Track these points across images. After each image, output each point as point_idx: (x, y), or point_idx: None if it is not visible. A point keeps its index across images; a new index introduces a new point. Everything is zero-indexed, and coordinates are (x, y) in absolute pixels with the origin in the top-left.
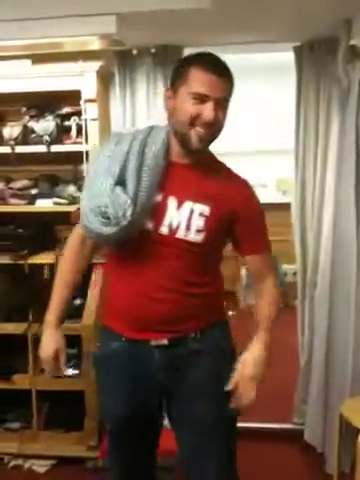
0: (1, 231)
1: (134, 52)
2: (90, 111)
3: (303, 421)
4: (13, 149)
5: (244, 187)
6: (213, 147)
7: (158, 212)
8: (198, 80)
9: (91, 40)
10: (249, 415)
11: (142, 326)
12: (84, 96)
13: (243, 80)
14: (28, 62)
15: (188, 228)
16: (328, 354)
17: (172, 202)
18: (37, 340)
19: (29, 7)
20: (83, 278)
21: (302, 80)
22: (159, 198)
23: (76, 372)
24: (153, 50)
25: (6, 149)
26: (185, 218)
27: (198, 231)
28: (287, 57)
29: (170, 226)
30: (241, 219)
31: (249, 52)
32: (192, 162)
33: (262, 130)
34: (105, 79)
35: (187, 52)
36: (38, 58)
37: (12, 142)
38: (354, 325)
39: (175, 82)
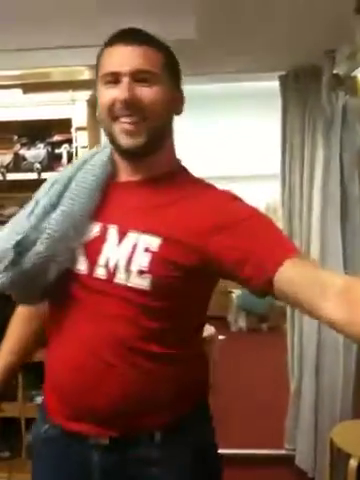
0: None
1: None
2: (81, 139)
3: (294, 446)
4: (4, 176)
5: (218, 198)
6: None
7: (93, 248)
8: (106, 59)
9: (81, 70)
10: (240, 441)
11: (77, 412)
12: (75, 124)
13: (230, 107)
14: (19, 91)
15: (128, 269)
16: (318, 378)
17: (112, 234)
18: (27, 367)
19: (20, 37)
20: None
21: (287, 107)
22: (95, 229)
23: None
24: None
25: None
26: (125, 255)
27: (141, 273)
28: (273, 85)
29: (107, 266)
30: (225, 244)
31: (235, 81)
32: (142, 177)
33: (250, 154)
34: (95, 107)
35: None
36: (29, 87)
37: (3, 169)
38: (343, 348)
39: (95, 80)
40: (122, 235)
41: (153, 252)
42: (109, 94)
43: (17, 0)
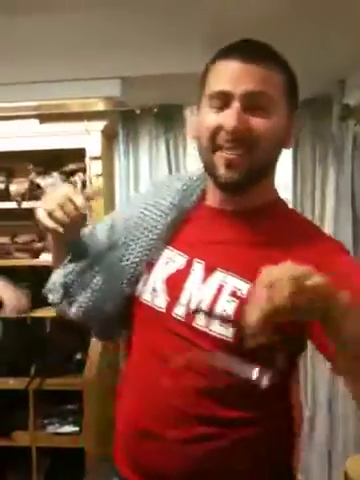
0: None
1: (137, 112)
2: (95, 168)
3: (308, 478)
4: (20, 204)
5: (327, 248)
6: None
7: (174, 282)
8: (216, 75)
9: (96, 101)
10: None
11: (143, 471)
12: (89, 154)
13: None
14: (36, 122)
15: (210, 313)
16: (331, 408)
17: (197, 269)
18: (38, 395)
19: (37, 70)
20: (84, 331)
21: (299, 137)
22: (179, 261)
23: (76, 429)
24: (155, 110)
25: (13, 205)
26: (209, 296)
27: (224, 320)
28: None
29: (188, 306)
30: None
31: None
32: (236, 208)
33: None
34: (109, 137)
35: (188, 110)
36: (45, 118)
37: (19, 198)
38: None
39: (199, 94)
40: (208, 272)
41: (241, 298)
42: (215, 119)
43: (34, 34)
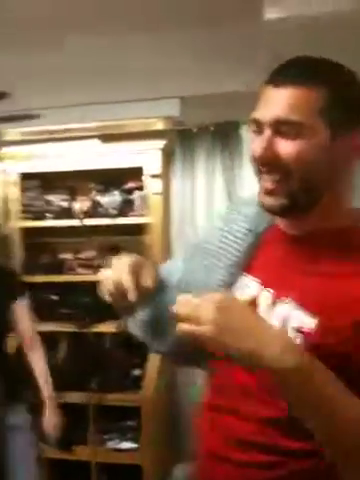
0: (68, 300)
1: (194, 130)
2: (153, 186)
3: None
4: (82, 222)
5: None
6: None
7: None
8: (258, 101)
9: (155, 121)
10: None
11: None
12: (148, 172)
13: None
14: (98, 142)
15: None
16: None
17: (266, 298)
18: (99, 410)
19: (99, 92)
20: (144, 346)
21: None
22: (253, 288)
23: (135, 445)
24: (212, 128)
25: (76, 222)
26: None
27: None
28: None
29: None
30: None
31: None
32: (298, 232)
33: None
34: (167, 155)
35: (245, 128)
36: (107, 138)
37: (81, 215)
38: None
39: None
40: (274, 302)
41: (306, 334)
42: (252, 145)
43: (96, 57)
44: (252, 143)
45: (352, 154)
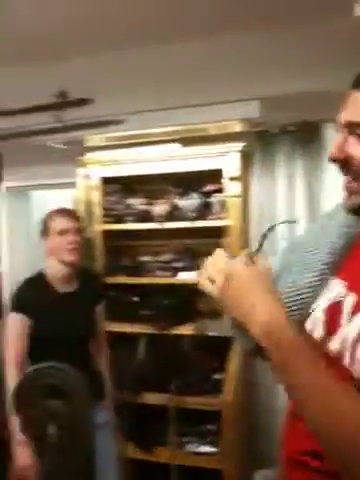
0: (148, 302)
1: (274, 131)
2: (232, 188)
3: None
4: (161, 225)
5: None
6: None
7: (333, 315)
8: None
9: (234, 123)
10: None
11: None
12: (226, 174)
13: None
14: (178, 145)
15: (353, 354)
16: None
17: (349, 303)
18: (179, 413)
19: (179, 96)
20: (223, 350)
21: None
22: (340, 292)
23: (214, 450)
24: (292, 128)
25: (155, 225)
26: (353, 334)
27: None
28: None
29: (343, 343)
30: None
31: None
32: None
33: None
34: (247, 157)
35: (327, 128)
36: (186, 141)
37: (161, 219)
38: None
39: None
40: (357, 308)
41: None
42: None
43: (176, 62)
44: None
45: None
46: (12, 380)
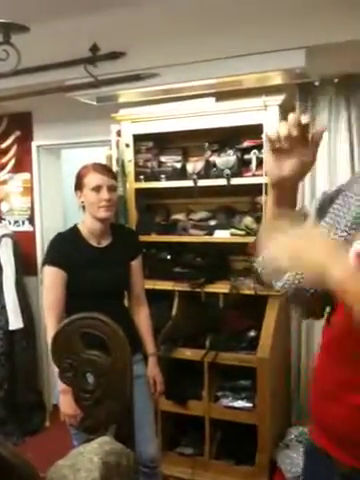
0: (181, 260)
1: (316, 83)
2: None
3: None
4: (196, 183)
5: None
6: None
7: None
8: None
9: (273, 75)
10: None
11: (323, 427)
12: (266, 130)
13: None
14: (212, 100)
15: None
16: None
17: None
18: (212, 368)
19: (214, 46)
20: (258, 309)
21: None
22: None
23: (249, 405)
24: (336, 80)
25: (189, 183)
26: None
27: None
28: None
29: None
30: None
31: None
32: None
33: None
34: (287, 112)
35: None
36: (222, 95)
37: (195, 176)
38: None
39: None
40: None
41: None
42: None
43: (209, 9)
44: None
45: None
46: (51, 329)
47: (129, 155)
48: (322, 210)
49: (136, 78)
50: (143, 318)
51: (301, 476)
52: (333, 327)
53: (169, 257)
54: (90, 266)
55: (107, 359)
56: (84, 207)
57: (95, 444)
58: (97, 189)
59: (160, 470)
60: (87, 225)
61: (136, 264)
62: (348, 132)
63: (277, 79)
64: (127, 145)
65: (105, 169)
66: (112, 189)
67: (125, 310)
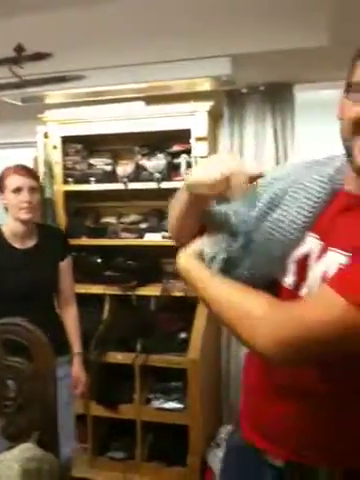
0: (112, 263)
1: (243, 90)
2: (200, 149)
3: None
4: (126, 186)
5: None
6: None
7: (301, 263)
8: None
9: (202, 81)
10: None
11: (257, 423)
12: (194, 135)
13: None
14: (142, 104)
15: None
16: None
17: (316, 248)
18: (144, 371)
19: (144, 52)
20: (188, 311)
21: None
22: (308, 243)
23: (180, 406)
24: (262, 88)
25: (120, 186)
26: (318, 276)
27: None
28: None
29: (310, 288)
30: None
31: None
32: None
33: None
34: (214, 117)
35: (297, 89)
36: (151, 99)
37: (125, 179)
38: None
39: (347, 75)
40: (322, 252)
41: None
42: (357, 110)
43: (141, 15)
44: (353, 108)
45: None
46: None
47: (57, 157)
48: None
49: (62, 79)
50: (71, 319)
51: (222, 473)
52: None
53: (100, 261)
54: (13, 268)
55: (29, 366)
56: (7, 209)
57: (16, 451)
58: (17, 191)
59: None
60: (10, 227)
61: (64, 265)
62: (274, 140)
63: (205, 85)
64: (54, 147)
65: (26, 170)
66: (33, 191)
67: (53, 312)
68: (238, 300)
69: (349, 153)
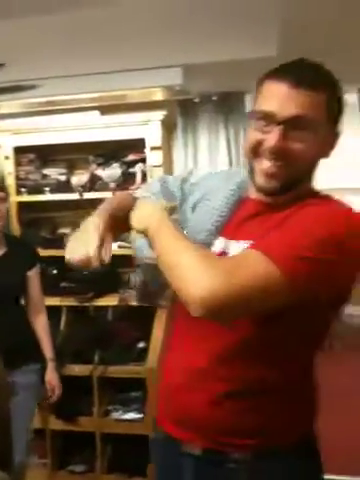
0: (69, 274)
1: (196, 100)
2: (154, 158)
3: None
4: (81, 196)
5: (311, 207)
6: None
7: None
8: (265, 95)
9: (155, 91)
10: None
11: (175, 414)
12: (148, 144)
13: None
14: (97, 113)
15: None
16: None
17: (219, 243)
18: (102, 383)
19: (98, 62)
20: (146, 320)
21: None
22: (219, 245)
23: (140, 416)
24: (215, 98)
25: (74, 196)
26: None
27: None
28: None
29: None
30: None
31: None
32: (270, 201)
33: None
34: (168, 127)
35: (249, 99)
36: (106, 109)
37: (80, 189)
38: None
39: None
40: (227, 245)
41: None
42: (257, 135)
43: (94, 25)
44: (255, 133)
45: (329, 146)
46: None
47: (9, 168)
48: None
49: (15, 89)
50: (41, 326)
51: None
52: (176, 318)
53: (56, 272)
54: None
55: None
56: None
57: None
58: None
59: None
60: None
61: (33, 274)
62: (227, 150)
63: (158, 95)
64: (6, 157)
65: None
66: (0, 201)
67: (22, 320)
68: (177, 250)
69: (251, 172)
